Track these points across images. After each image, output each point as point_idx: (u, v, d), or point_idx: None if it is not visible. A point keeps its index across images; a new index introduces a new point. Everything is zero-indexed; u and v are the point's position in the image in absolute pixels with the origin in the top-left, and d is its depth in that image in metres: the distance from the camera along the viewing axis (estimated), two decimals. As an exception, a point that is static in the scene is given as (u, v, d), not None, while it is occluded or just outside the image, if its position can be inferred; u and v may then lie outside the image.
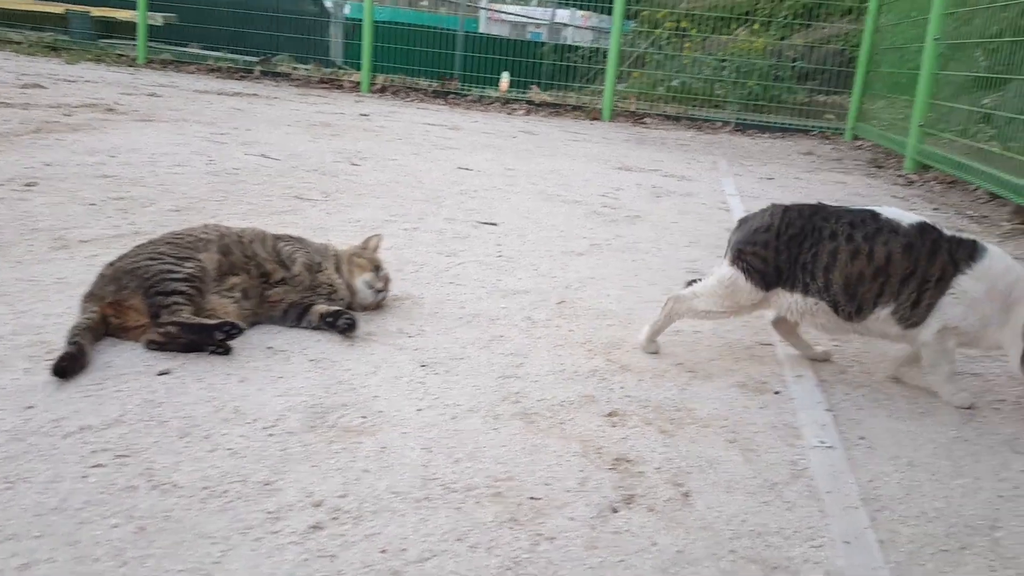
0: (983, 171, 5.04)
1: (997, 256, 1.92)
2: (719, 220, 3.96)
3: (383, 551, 1.22)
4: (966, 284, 1.88)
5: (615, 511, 1.40)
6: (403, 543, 1.25)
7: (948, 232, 1.95)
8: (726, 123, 8.90)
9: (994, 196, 5.12)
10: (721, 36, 9.97)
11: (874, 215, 1.97)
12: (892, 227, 1.93)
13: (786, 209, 2.05)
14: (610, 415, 1.77)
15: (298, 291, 2.10)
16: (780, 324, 2.21)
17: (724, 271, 2.07)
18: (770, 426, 1.78)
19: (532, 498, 1.41)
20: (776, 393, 1.96)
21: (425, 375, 1.87)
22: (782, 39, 9.95)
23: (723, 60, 9.64)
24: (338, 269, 2.21)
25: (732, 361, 2.14)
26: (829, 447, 1.69)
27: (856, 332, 2.05)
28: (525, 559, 1.24)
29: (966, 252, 1.90)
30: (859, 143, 8.27)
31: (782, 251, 2.00)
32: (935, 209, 4.84)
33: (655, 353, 2.14)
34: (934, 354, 1.95)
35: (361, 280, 2.20)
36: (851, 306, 1.96)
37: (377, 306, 2.25)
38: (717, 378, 2.02)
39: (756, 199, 4.63)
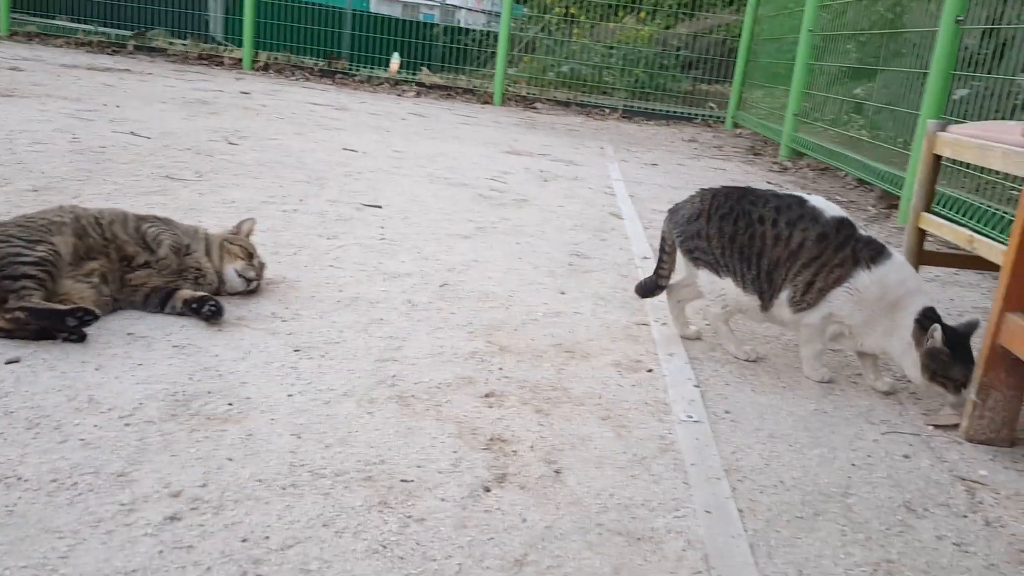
0: (852, 158, 5.32)
1: (898, 266, 1.95)
2: (604, 204, 4.02)
3: (244, 540, 1.18)
4: (862, 282, 1.91)
5: (487, 490, 1.41)
6: (266, 531, 1.21)
7: (863, 232, 1.98)
8: (614, 109, 9.06)
9: (862, 182, 5.41)
10: (609, 24, 10.12)
11: (800, 201, 2.00)
12: (814, 215, 1.96)
13: (715, 194, 2.10)
14: (487, 396, 1.77)
15: (163, 275, 2.01)
16: (674, 293, 2.25)
17: (702, 277, 2.12)
18: (642, 403, 1.82)
19: (404, 481, 1.40)
20: (649, 371, 2.01)
21: (298, 360, 1.82)
22: (667, 28, 10.19)
23: (611, 48, 9.80)
24: (208, 253, 2.13)
25: (609, 341, 2.18)
26: (696, 421, 1.75)
27: (768, 321, 2.10)
28: (393, 541, 1.23)
29: (871, 252, 1.93)
30: (739, 131, 8.58)
31: (713, 237, 2.05)
32: (807, 194, 5.06)
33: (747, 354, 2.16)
34: (811, 332, 2.02)
35: (231, 269, 2.12)
36: (769, 292, 2.01)
37: (250, 292, 2.17)
38: (594, 358, 2.05)
39: (640, 184, 4.74)
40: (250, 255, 2.17)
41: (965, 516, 1.51)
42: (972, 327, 1.90)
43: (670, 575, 1.23)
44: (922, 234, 2.30)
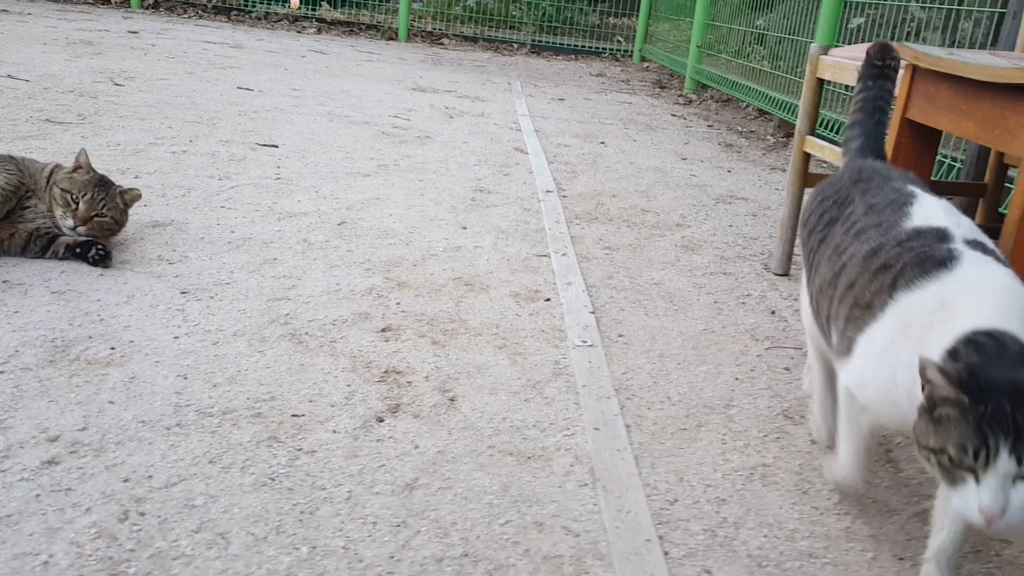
0: (753, 89, 5.41)
1: (954, 280, 1.05)
2: (509, 140, 4.01)
3: (126, 480, 1.17)
4: (880, 323, 1.10)
5: (380, 420, 1.42)
6: (149, 471, 1.20)
7: (961, 242, 1.11)
8: (522, 44, 8.96)
9: (762, 113, 5.53)
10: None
11: (905, 200, 1.24)
12: (892, 222, 1.21)
13: (845, 169, 1.46)
14: (384, 331, 1.77)
15: (37, 220, 1.92)
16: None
17: None
18: (538, 331, 1.86)
19: (295, 415, 1.40)
20: (547, 300, 2.04)
21: (185, 302, 1.77)
22: (573, -40, 10.07)
23: (517, -20, 9.64)
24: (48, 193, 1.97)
25: (509, 273, 2.20)
26: (590, 346, 1.79)
27: None
28: (282, 474, 1.23)
29: (915, 272, 1.09)
30: (646, 65, 8.62)
31: (805, 225, 1.46)
32: (709, 126, 5.16)
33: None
34: (842, 406, 1.24)
35: (57, 215, 1.94)
36: (825, 325, 1.30)
37: (100, 234, 1.99)
38: (493, 290, 2.07)
39: (546, 119, 4.73)
40: (68, 200, 1.94)
41: (838, 421, 1.59)
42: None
43: (557, 488, 1.28)
44: (807, 157, 2.37)
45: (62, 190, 1.95)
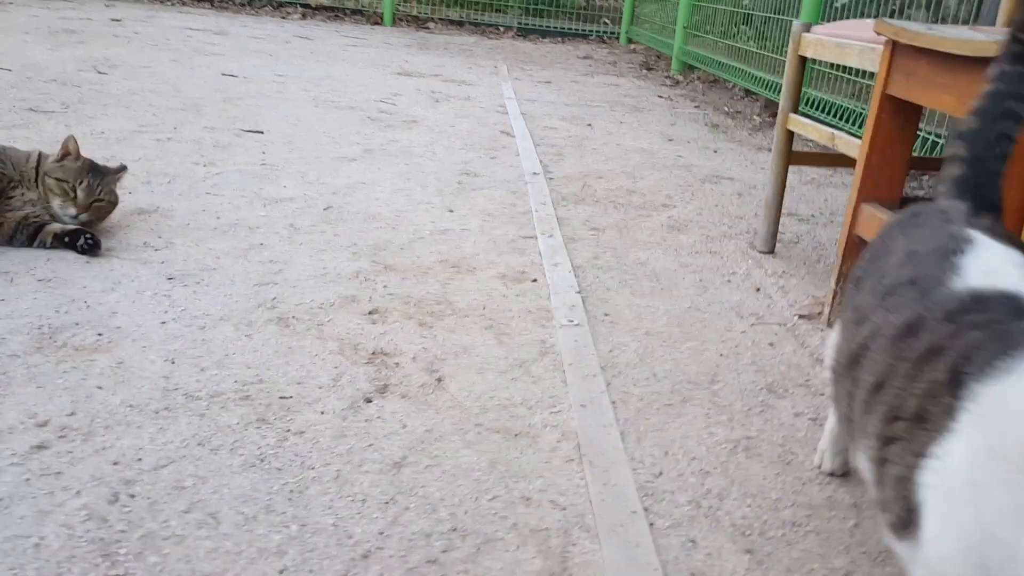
0: (740, 69, 5.41)
1: None
2: (495, 123, 4.00)
3: (115, 463, 1.18)
4: (961, 446, 0.70)
5: (368, 401, 1.43)
6: (138, 453, 1.21)
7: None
8: (508, 28, 8.93)
9: (749, 93, 5.53)
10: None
11: (947, 249, 0.88)
12: (933, 280, 0.85)
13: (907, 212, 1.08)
14: (371, 313, 1.78)
15: (25, 209, 1.91)
16: None
17: None
18: (525, 311, 1.87)
19: (283, 398, 1.41)
20: (534, 281, 2.05)
21: (172, 288, 1.78)
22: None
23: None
24: (36, 182, 1.97)
25: (496, 255, 2.21)
26: (576, 325, 1.80)
27: None
28: (271, 454, 1.24)
29: (989, 355, 0.71)
30: (633, 46, 8.61)
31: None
32: (696, 107, 5.16)
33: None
34: None
35: (56, 203, 1.95)
36: (848, 423, 0.94)
37: (98, 218, 2.02)
38: (480, 271, 2.08)
39: (533, 102, 4.73)
40: (65, 189, 1.95)
41: (822, 394, 1.61)
42: None
43: (544, 464, 1.29)
44: (790, 135, 2.38)
45: (57, 180, 1.96)
